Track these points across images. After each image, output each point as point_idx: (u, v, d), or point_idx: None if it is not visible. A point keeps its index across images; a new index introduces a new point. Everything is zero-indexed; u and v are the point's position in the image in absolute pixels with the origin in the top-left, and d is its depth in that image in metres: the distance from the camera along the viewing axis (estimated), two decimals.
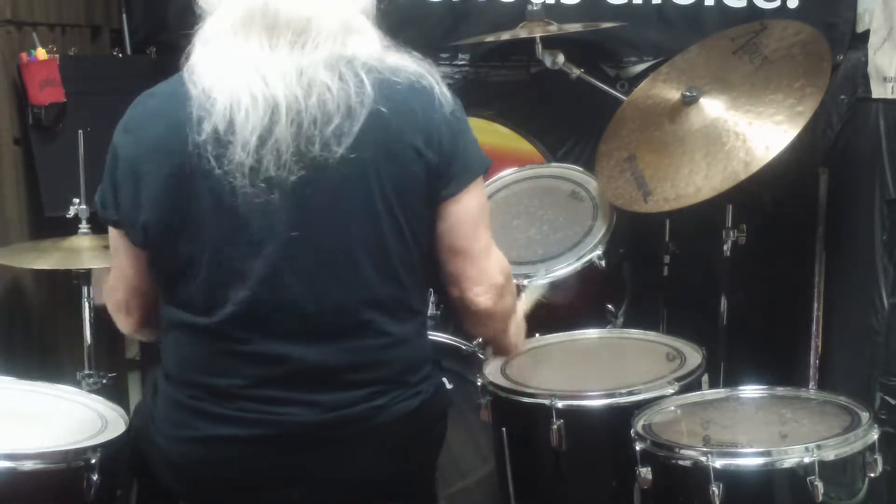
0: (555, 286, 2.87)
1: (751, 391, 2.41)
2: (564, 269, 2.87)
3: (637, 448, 2.17)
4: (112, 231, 1.90)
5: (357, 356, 1.79)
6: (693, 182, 2.77)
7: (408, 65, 1.80)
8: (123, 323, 1.99)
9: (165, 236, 1.78)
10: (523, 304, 2.34)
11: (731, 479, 2.04)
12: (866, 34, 3.07)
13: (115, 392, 2.79)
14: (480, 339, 2.24)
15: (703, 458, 2.06)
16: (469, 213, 1.83)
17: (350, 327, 1.78)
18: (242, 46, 1.75)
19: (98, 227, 2.84)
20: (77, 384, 2.65)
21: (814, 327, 3.20)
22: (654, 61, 3.43)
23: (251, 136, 1.70)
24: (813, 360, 3.21)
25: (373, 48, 1.80)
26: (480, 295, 1.87)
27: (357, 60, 1.76)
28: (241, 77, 1.72)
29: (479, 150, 1.87)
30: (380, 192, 1.75)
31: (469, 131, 1.86)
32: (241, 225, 1.73)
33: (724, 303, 3.03)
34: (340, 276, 1.76)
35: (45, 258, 2.68)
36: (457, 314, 1.96)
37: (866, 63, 3.00)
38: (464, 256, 1.85)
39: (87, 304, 2.76)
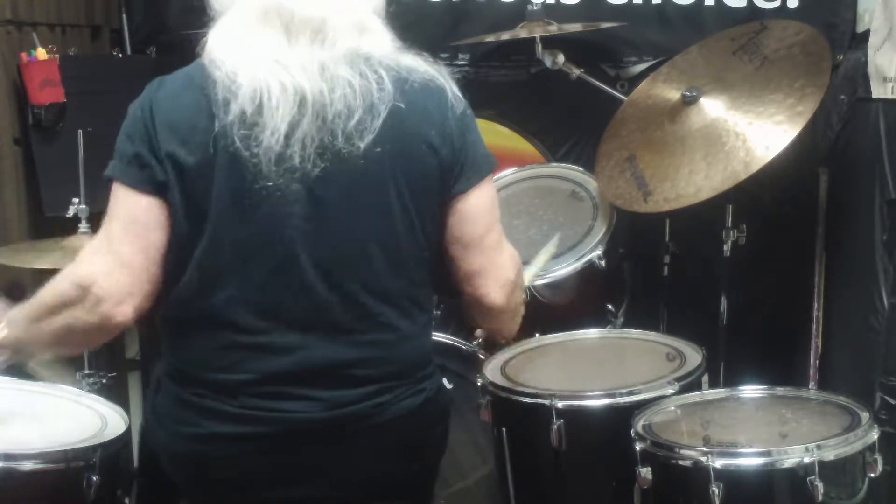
0: (555, 286, 2.88)
1: (751, 391, 2.41)
2: (564, 269, 2.87)
3: (637, 448, 2.17)
4: (136, 202, 1.77)
5: (365, 350, 1.80)
6: (693, 182, 2.77)
7: (420, 65, 1.83)
8: (113, 309, 1.76)
9: (184, 214, 1.75)
10: (533, 269, 2.36)
11: (731, 479, 2.04)
12: (866, 34, 3.07)
13: (115, 392, 2.79)
14: (479, 331, 2.25)
15: (703, 458, 2.06)
16: (479, 208, 1.86)
17: (360, 320, 1.79)
18: (261, 39, 1.77)
19: (97, 227, 2.84)
20: (77, 384, 2.65)
21: (814, 327, 3.20)
22: (654, 61, 3.43)
23: (281, 123, 1.71)
24: (813, 360, 3.21)
25: (386, 47, 1.83)
26: (494, 291, 1.88)
27: (375, 58, 1.79)
28: (266, 65, 1.74)
29: (486, 149, 1.90)
30: (395, 187, 1.77)
31: (477, 130, 1.89)
32: (259, 209, 1.74)
33: (724, 303, 3.03)
34: (354, 267, 1.78)
35: (45, 258, 2.68)
36: (465, 307, 1.97)
37: (866, 63, 3.01)
38: (475, 250, 1.86)
39: None
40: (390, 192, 1.77)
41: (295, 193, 1.73)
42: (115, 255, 1.77)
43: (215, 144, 1.73)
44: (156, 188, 1.76)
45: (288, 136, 1.72)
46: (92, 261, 1.79)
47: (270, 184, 1.73)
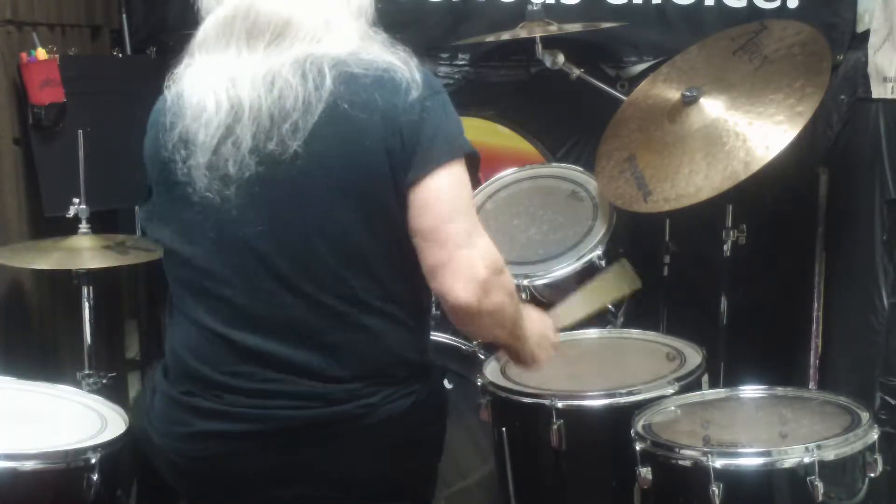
0: (555, 286, 2.87)
1: (751, 391, 2.41)
2: (564, 269, 2.87)
3: (637, 448, 2.17)
4: None
5: (339, 350, 1.79)
6: (693, 182, 2.77)
7: (379, 58, 1.79)
8: None
9: (156, 232, 1.89)
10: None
11: (731, 479, 2.04)
12: (866, 34, 3.07)
13: (115, 392, 2.79)
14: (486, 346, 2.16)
15: (703, 458, 2.06)
16: (438, 196, 1.76)
17: (329, 322, 1.79)
18: (221, 53, 1.80)
19: (98, 227, 2.84)
20: (77, 384, 2.65)
21: (814, 327, 3.20)
22: (654, 61, 3.43)
23: (212, 137, 1.76)
24: (813, 360, 3.21)
25: (349, 45, 1.81)
26: (459, 290, 1.73)
27: (326, 57, 1.77)
28: (210, 81, 1.78)
29: (452, 136, 1.79)
30: (341, 186, 1.75)
31: (441, 118, 1.78)
32: (205, 222, 1.79)
33: (724, 303, 3.03)
34: (309, 270, 1.77)
35: (45, 258, 2.69)
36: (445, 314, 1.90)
37: (866, 63, 3.01)
38: (434, 244, 1.75)
39: (86, 304, 2.76)
40: (336, 191, 1.75)
41: (233, 201, 1.76)
42: None
43: (166, 169, 1.82)
44: None
45: (219, 147, 1.76)
46: None
47: (207, 195, 1.77)
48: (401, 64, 1.79)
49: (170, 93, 1.83)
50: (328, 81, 1.74)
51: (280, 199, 1.76)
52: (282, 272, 1.77)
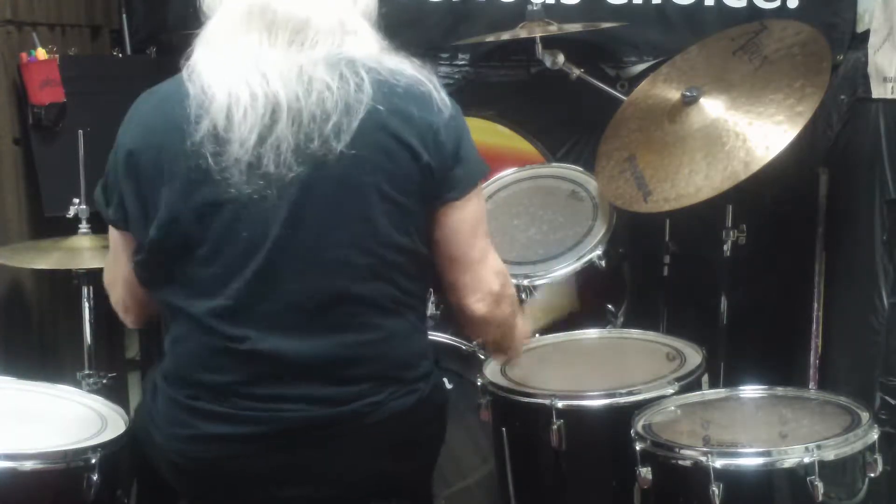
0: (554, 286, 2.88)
1: (751, 391, 2.41)
2: (564, 269, 2.87)
3: (637, 448, 2.17)
4: (111, 230, 1.93)
5: (349, 350, 1.80)
6: (693, 182, 2.77)
7: (406, 69, 1.82)
8: (123, 317, 2.04)
9: (163, 233, 1.80)
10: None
11: (731, 479, 2.04)
12: (866, 34, 3.07)
13: (115, 392, 2.79)
14: (481, 340, 2.29)
15: (703, 458, 2.06)
16: (466, 220, 1.85)
17: (342, 321, 1.79)
18: (242, 43, 1.78)
19: (98, 227, 2.84)
20: (77, 384, 2.66)
21: (814, 327, 3.20)
22: (654, 61, 3.43)
23: (250, 133, 1.72)
24: (813, 360, 3.21)
25: (370, 49, 1.82)
26: (477, 302, 1.89)
27: (358, 60, 1.78)
28: (240, 74, 1.75)
29: (477, 156, 1.88)
30: (375, 189, 1.76)
31: (468, 137, 1.86)
32: (237, 221, 1.75)
33: (724, 303, 3.03)
34: (332, 272, 1.77)
35: (45, 258, 2.69)
36: (456, 318, 1.98)
37: (866, 63, 3.01)
38: (460, 264, 1.87)
39: (86, 304, 2.76)
40: (370, 195, 1.76)
41: (273, 199, 1.74)
42: (111, 272, 2.01)
43: (188, 162, 1.75)
44: (116, 223, 1.89)
45: (259, 145, 1.72)
46: (108, 270, 2.03)
47: (245, 193, 1.74)
48: (425, 80, 1.82)
49: (192, 85, 1.77)
50: (367, 85, 1.75)
51: (317, 201, 1.75)
52: (305, 275, 1.77)
